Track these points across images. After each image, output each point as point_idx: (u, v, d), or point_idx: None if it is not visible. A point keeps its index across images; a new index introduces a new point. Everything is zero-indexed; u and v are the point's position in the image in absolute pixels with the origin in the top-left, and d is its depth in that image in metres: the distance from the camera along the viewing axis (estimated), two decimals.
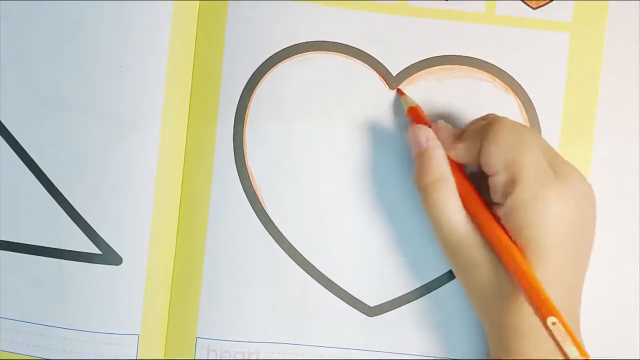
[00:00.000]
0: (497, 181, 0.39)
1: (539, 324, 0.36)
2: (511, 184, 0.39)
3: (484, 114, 0.43)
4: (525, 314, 0.38)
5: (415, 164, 0.42)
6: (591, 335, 0.42)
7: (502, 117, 0.41)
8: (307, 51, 0.45)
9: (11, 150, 0.44)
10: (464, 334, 0.45)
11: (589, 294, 0.44)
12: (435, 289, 0.45)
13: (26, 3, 0.44)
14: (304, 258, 0.45)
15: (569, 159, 0.44)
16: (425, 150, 0.41)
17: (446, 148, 0.41)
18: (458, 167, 0.41)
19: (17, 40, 0.44)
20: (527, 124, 0.45)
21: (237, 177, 0.45)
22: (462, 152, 0.41)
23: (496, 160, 0.39)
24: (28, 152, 0.44)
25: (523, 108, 0.45)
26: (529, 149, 0.39)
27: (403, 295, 0.45)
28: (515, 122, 0.41)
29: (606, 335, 0.45)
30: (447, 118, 0.45)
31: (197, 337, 0.45)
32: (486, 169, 0.40)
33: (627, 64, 0.45)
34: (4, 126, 0.44)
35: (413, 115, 0.44)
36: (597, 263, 0.44)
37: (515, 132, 0.39)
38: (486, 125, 0.40)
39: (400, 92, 0.45)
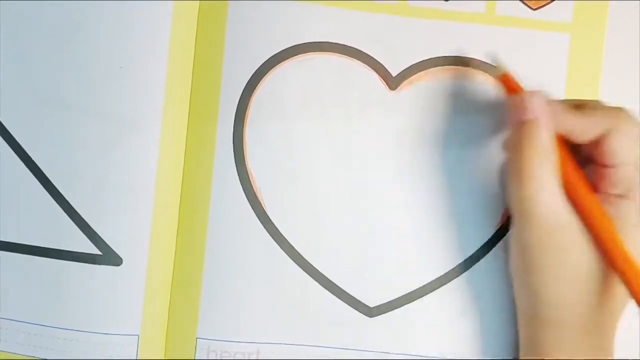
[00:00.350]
0: (622, 174, 0.37)
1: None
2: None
3: (485, 114, 0.43)
4: (618, 295, 0.38)
5: (514, 133, 0.39)
6: None
7: (629, 110, 0.39)
8: (307, 52, 0.45)
9: (11, 150, 0.44)
10: (464, 335, 0.45)
11: None
12: (435, 289, 0.45)
13: (26, 3, 0.44)
14: (304, 258, 0.45)
15: None
16: (534, 119, 0.38)
17: (558, 119, 0.38)
18: (562, 143, 0.39)
19: (16, 40, 0.44)
20: None
21: (237, 177, 0.45)
22: (580, 128, 0.38)
23: (628, 152, 0.37)
24: (27, 152, 0.44)
25: None
26: None
27: (403, 295, 0.45)
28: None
29: None
30: (447, 120, 0.45)
31: (197, 338, 0.45)
32: (608, 158, 0.38)
33: (627, 64, 0.45)
34: (3, 126, 0.44)
35: (506, 83, 0.41)
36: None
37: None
38: (614, 110, 0.38)
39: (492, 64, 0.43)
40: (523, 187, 0.37)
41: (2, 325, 0.44)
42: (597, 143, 0.39)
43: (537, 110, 0.38)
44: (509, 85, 0.42)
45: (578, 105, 0.39)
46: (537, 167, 0.37)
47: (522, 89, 0.41)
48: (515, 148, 0.39)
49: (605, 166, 0.39)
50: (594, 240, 0.38)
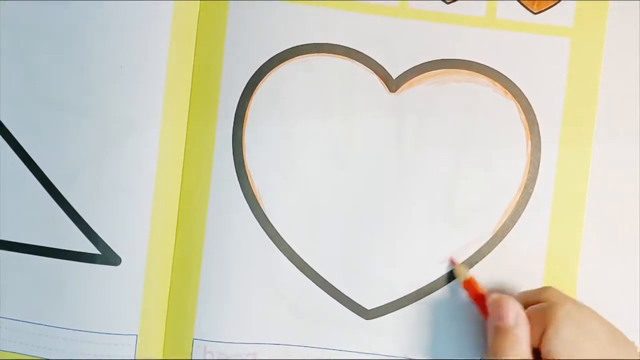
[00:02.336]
0: None
1: None
2: None
3: (485, 121, 0.43)
4: None
5: (493, 337, 0.41)
6: None
7: (563, 302, 0.40)
8: (307, 53, 0.45)
9: (11, 150, 0.44)
10: (460, 338, 0.45)
11: (589, 294, 0.44)
12: (431, 292, 0.45)
13: (26, 4, 0.44)
14: (302, 260, 0.45)
15: (568, 163, 0.44)
16: (512, 328, 0.40)
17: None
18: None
19: (17, 41, 0.44)
20: (527, 129, 0.45)
21: (236, 178, 0.45)
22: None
23: (559, 353, 0.39)
24: (27, 151, 0.44)
25: (523, 112, 0.45)
26: (592, 343, 0.39)
27: (400, 298, 0.45)
28: (577, 307, 0.40)
29: None
30: (447, 122, 0.45)
31: (194, 339, 0.45)
32: (545, 356, 0.39)
33: (627, 69, 0.45)
34: (4, 126, 0.44)
35: (469, 289, 0.44)
36: (598, 258, 0.44)
37: (578, 326, 0.39)
38: (547, 311, 0.40)
39: (452, 263, 0.45)
40: None
41: (1, 324, 0.45)
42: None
43: (517, 320, 0.40)
44: (473, 290, 0.43)
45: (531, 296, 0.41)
46: None
47: (485, 293, 0.43)
48: (497, 352, 0.40)
49: None
50: None
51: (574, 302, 0.41)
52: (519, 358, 0.39)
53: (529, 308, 0.41)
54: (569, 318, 0.39)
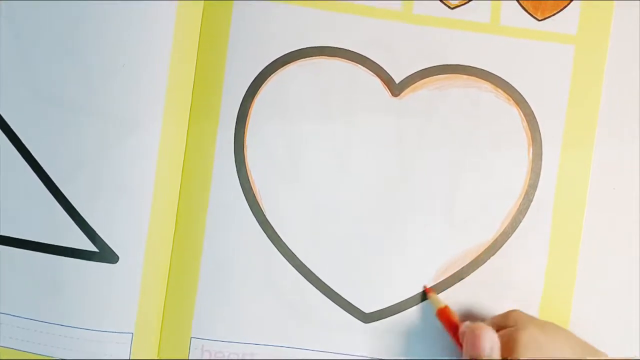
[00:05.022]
0: None
1: None
2: None
3: (487, 128, 0.43)
4: None
5: None
6: (591, 335, 0.43)
7: (525, 325, 0.41)
8: (310, 56, 0.45)
9: (11, 146, 0.44)
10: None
11: (589, 294, 0.44)
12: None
13: (29, 2, 0.44)
14: (301, 262, 0.45)
15: (569, 170, 0.44)
16: (488, 358, 0.40)
17: None
18: None
19: (20, 39, 0.44)
20: (529, 136, 0.45)
21: (237, 179, 0.45)
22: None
23: None
24: (28, 148, 0.44)
25: (525, 119, 0.45)
26: None
27: (398, 302, 0.45)
28: (539, 329, 0.41)
29: (606, 334, 0.45)
30: (449, 128, 0.45)
31: (191, 337, 0.45)
32: None
33: (629, 76, 0.45)
34: (6, 123, 0.44)
35: (443, 316, 0.44)
36: (598, 264, 0.44)
37: (540, 349, 0.39)
38: (511, 337, 0.40)
39: (428, 291, 0.45)
40: None
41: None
42: None
43: (492, 352, 0.40)
44: (447, 318, 0.43)
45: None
46: None
47: (459, 322, 0.43)
48: None
49: None
50: None
51: (536, 324, 0.41)
52: None
53: (498, 334, 0.41)
54: (532, 342, 0.40)
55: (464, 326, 0.42)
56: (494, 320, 0.43)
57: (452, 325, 0.43)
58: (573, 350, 0.40)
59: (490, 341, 0.40)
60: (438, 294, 0.45)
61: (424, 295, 0.45)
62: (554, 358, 0.39)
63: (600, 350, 0.42)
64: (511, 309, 0.44)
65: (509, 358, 0.39)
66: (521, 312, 0.43)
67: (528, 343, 0.39)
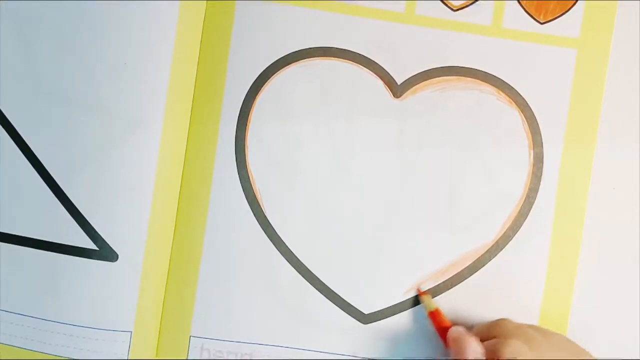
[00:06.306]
0: None
1: None
2: None
3: (488, 130, 0.43)
4: None
5: None
6: (591, 335, 0.43)
7: (509, 337, 0.40)
8: (312, 57, 0.45)
9: (13, 143, 0.44)
10: None
11: (589, 294, 0.44)
12: (433, 297, 0.45)
13: (32, 1, 0.44)
14: (301, 262, 0.45)
15: (570, 173, 0.44)
16: None
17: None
18: None
19: (22, 37, 0.44)
20: (530, 138, 0.45)
21: (238, 179, 0.45)
22: None
23: None
24: (29, 145, 0.44)
25: (526, 122, 0.45)
26: None
27: (397, 304, 0.45)
28: (523, 339, 0.40)
29: (606, 335, 0.45)
30: (451, 130, 0.45)
31: (190, 336, 0.45)
32: None
33: (631, 80, 0.45)
34: (8, 121, 0.44)
35: (434, 319, 0.44)
36: (598, 265, 0.44)
37: (525, 356, 0.40)
38: (495, 349, 0.40)
39: (420, 294, 0.45)
40: None
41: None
42: None
43: (475, 354, 0.40)
44: (438, 322, 0.44)
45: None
46: None
47: (450, 324, 0.43)
48: None
49: None
50: None
51: (523, 334, 0.41)
52: None
53: (483, 344, 0.41)
54: (515, 354, 0.39)
55: (450, 332, 0.42)
56: (481, 329, 0.43)
57: (442, 329, 0.43)
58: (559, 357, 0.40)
59: (473, 353, 0.40)
60: (438, 296, 0.45)
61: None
62: None
63: (597, 356, 0.41)
64: (502, 317, 0.43)
65: None
66: (509, 321, 0.43)
67: (511, 356, 0.39)
